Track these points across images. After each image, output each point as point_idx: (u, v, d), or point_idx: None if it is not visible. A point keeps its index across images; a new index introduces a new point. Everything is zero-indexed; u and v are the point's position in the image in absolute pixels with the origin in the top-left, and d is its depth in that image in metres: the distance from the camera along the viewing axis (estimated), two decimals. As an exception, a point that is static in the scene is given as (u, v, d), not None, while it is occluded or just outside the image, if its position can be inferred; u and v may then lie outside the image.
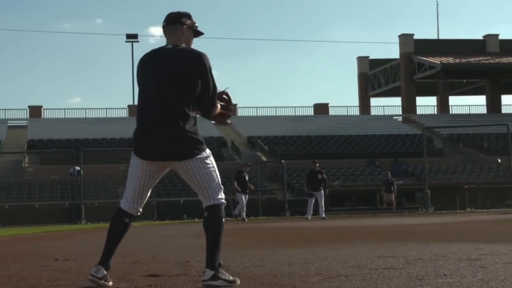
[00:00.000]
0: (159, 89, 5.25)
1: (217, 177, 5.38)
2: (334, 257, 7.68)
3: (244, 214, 26.66)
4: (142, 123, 5.31)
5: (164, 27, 5.48)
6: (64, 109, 58.41)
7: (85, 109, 58.34)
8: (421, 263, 6.65)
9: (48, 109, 57.80)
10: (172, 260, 8.02)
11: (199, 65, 5.31)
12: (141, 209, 5.57)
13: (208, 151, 5.39)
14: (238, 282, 5.24)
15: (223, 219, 5.34)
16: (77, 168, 34.39)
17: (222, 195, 5.40)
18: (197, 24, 5.53)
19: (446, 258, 7.11)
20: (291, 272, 6.13)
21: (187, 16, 5.47)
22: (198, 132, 5.33)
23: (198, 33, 5.56)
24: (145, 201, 5.55)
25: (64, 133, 49.17)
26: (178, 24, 5.43)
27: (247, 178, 27.24)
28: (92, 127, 51.51)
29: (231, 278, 5.22)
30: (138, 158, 5.40)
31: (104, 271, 5.38)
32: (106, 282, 5.37)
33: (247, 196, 26.85)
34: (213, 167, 5.39)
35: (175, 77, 5.25)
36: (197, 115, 5.42)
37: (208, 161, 5.36)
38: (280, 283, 5.34)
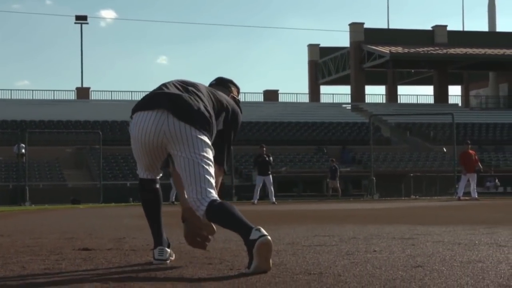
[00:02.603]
0: None
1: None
2: (270, 235, 7.67)
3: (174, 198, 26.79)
4: None
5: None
6: (11, 90, 57.64)
7: (32, 90, 57.52)
8: (354, 241, 6.72)
9: (-6, 89, 56.88)
10: (108, 237, 7.97)
11: None
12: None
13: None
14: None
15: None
16: (22, 144, 33.87)
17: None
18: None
19: (380, 237, 7.19)
20: (224, 248, 6.15)
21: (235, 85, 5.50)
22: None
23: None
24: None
25: (10, 114, 48.39)
26: (226, 89, 5.39)
27: None
28: (39, 109, 50.77)
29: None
30: None
31: (168, 249, 5.11)
32: (171, 257, 5.14)
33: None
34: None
35: None
36: None
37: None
38: (210, 257, 5.35)
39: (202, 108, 4.76)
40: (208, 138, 4.77)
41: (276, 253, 5.60)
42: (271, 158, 26.28)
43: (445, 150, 46.81)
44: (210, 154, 4.76)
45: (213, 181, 4.73)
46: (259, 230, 4.58)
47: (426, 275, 4.10)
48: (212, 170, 4.74)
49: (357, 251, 5.63)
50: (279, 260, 5.03)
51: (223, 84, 5.43)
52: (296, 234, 7.90)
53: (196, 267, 4.76)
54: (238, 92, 5.52)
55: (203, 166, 4.67)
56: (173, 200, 26.65)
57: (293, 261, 4.98)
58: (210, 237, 5.11)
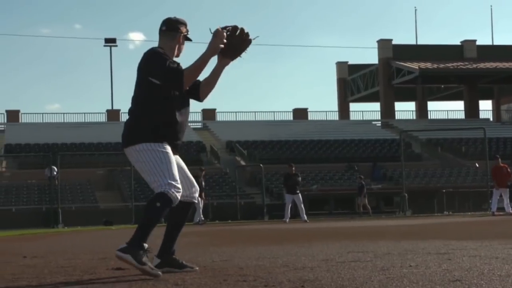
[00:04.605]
0: None
1: (154, 169, 5.53)
2: (303, 252, 7.67)
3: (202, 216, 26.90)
4: None
5: (162, 31, 5.79)
6: (42, 113, 58.11)
7: (63, 113, 58.12)
8: (389, 257, 6.65)
9: (26, 113, 57.53)
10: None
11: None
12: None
13: (144, 145, 5.58)
14: (157, 273, 5.31)
15: (157, 204, 5.44)
16: (53, 167, 34.10)
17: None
18: (189, 31, 5.87)
19: (414, 252, 7.11)
20: (258, 265, 6.10)
21: (184, 24, 5.83)
22: (138, 124, 5.68)
23: (188, 39, 5.88)
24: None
25: (42, 137, 48.86)
26: (176, 31, 5.78)
27: (203, 183, 27.22)
28: (70, 132, 51.21)
29: (147, 264, 5.29)
30: None
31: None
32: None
33: (203, 200, 26.91)
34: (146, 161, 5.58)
35: None
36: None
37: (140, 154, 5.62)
38: (244, 274, 5.31)
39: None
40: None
41: (310, 269, 5.55)
42: (299, 178, 26.20)
43: (477, 165, 46.35)
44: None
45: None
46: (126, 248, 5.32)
47: (464, 289, 4.03)
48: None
49: (393, 267, 5.56)
50: (313, 276, 4.98)
51: (173, 28, 5.79)
52: (330, 250, 7.83)
53: (231, 284, 4.72)
54: (187, 28, 5.86)
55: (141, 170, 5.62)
56: (198, 219, 26.69)
57: (328, 277, 4.92)
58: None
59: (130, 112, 5.79)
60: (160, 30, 5.79)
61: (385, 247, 8.06)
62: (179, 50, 5.80)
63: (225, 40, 5.57)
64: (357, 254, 7.09)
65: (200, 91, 5.82)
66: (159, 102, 5.58)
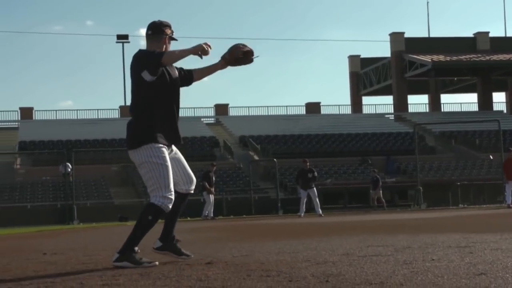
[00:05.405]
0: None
1: (152, 179, 6.08)
2: (323, 247, 7.66)
3: (212, 213, 26.84)
4: None
5: (149, 35, 6.29)
6: (56, 110, 58.22)
7: (77, 110, 58.22)
8: (409, 250, 6.63)
9: (40, 110, 57.70)
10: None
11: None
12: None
13: (144, 153, 6.10)
14: (152, 263, 5.94)
15: (149, 217, 6.08)
16: (68, 164, 34.20)
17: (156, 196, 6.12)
18: (173, 31, 6.36)
19: (435, 246, 7.09)
20: (279, 260, 6.10)
21: (169, 26, 6.30)
22: (137, 127, 6.15)
23: (173, 39, 6.37)
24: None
25: (56, 134, 49.03)
26: (162, 34, 6.25)
27: (213, 178, 27.25)
28: (83, 128, 51.38)
29: (143, 261, 5.91)
30: None
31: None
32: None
33: (212, 196, 26.92)
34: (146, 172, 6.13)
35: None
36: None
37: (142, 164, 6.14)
38: (267, 269, 5.31)
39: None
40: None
41: (332, 264, 5.55)
42: (315, 173, 26.15)
43: (491, 157, 46.19)
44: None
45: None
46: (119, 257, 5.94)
47: (491, 282, 4.02)
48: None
49: (415, 260, 5.55)
50: (337, 271, 4.98)
51: (159, 31, 6.25)
52: (349, 245, 7.82)
53: (254, 280, 4.72)
54: (171, 29, 6.31)
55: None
56: (206, 214, 26.68)
57: (351, 272, 4.92)
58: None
59: (130, 113, 6.30)
60: (147, 34, 6.32)
61: (404, 241, 8.05)
62: (167, 50, 6.22)
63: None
64: (377, 248, 7.08)
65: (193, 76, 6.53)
66: (152, 102, 6.12)
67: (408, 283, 4.15)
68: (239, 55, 6.35)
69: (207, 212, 26.79)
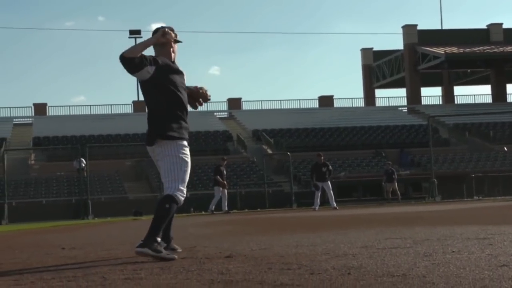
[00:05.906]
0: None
1: (172, 172, 6.32)
2: (341, 239, 7.66)
3: (226, 207, 26.73)
4: None
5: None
6: (69, 106, 58.65)
7: (90, 105, 58.40)
8: (428, 242, 6.62)
9: (53, 106, 57.89)
10: (179, 246, 7.98)
11: None
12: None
13: (175, 143, 6.34)
14: (171, 255, 6.11)
15: (166, 205, 6.24)
16: (82, 159, 34.29)
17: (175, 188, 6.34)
18: (177, 34, 6.63)
19: (453, 238, 7.08)
20: (298, 253, 6.10)
21: (172, 30, 6.55)
22: (162, 123, 6.41)
23: (178, 42, 6.64)
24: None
25: (69, 129, 49.22)
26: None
27: (224, 172, 27.23)
28: (97, 124, 51.54)
29: (162, 251, 6.07)
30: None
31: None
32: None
33: (225, 190, 26.86)
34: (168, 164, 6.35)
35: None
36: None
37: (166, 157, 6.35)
38: (287, 262, 5.32)
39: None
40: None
41: (352, 256, 5.55)
42: (330, 167, 26.08)
43: (505, 149, 46.02)
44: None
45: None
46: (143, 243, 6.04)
47: (514, 273, 4.01)
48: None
49: (435, 253, 5.55)
50: (357, 264, 4.98)
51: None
52: (367, 237, 7.82)
53: (276, 273, 4.72)
54: (175, 32, 6.59)
55: None
56: (213, 209, 26.63)
57: (372, 264, 4.92)
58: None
59: (151, 110, 6.64)
60: None
61: (422, 233, 8.04)
62: (174, 53, 6.54)
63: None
64: (395, 241, 7.07)
65: None
66: (164, 101, 6.43)
67: (430, 275, 4.14)
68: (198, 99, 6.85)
69: (213, 206, 26.75)
